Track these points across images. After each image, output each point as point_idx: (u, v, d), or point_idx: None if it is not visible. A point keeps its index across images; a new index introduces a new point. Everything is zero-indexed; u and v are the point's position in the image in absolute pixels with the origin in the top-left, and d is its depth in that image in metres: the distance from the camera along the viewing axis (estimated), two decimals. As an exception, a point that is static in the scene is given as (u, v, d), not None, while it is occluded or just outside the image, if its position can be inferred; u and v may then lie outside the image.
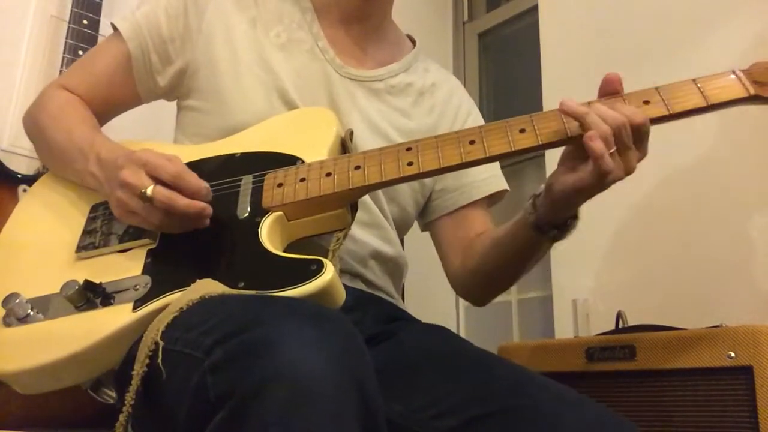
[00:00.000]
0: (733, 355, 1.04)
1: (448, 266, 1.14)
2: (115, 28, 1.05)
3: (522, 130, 0.82)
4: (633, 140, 0.80)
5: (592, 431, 0.75)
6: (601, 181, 0.80)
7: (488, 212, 1.16)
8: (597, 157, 0.78)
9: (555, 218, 0.90)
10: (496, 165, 1.17)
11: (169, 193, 0.81)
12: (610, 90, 0.84)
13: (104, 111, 1.06)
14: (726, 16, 1.61)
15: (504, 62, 2.54)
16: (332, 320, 0.64)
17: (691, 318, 1.26)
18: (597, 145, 0.78)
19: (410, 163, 0.84)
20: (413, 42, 1.20)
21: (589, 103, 0.82)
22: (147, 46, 1.03)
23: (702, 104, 0.81)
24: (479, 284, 1.10)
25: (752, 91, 0.81)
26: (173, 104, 1.10)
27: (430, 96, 1.14)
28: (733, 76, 0.82)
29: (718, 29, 1.61)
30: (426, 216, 1.17)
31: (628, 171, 0.81)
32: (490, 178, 1.15)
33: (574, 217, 0.91)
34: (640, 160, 0.82)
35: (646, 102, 0.82)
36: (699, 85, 0.82)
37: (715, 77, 0.82)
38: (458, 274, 1.11)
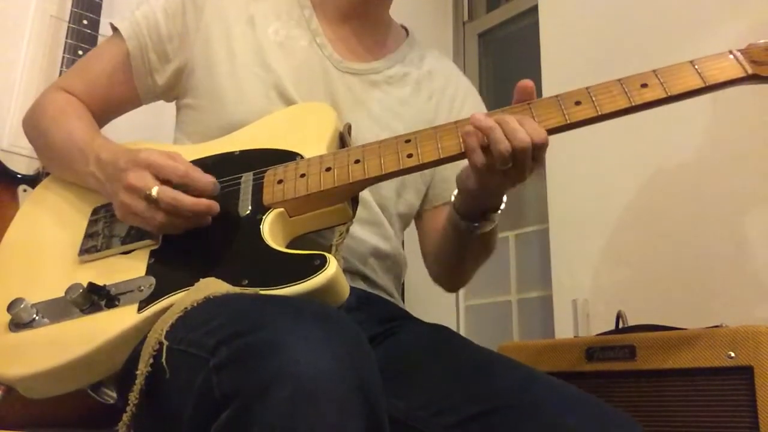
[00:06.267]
0: (733, 355, 1.04)
1: (424, 254, 1.16)
2: (114, 28, 1.05)
3: None
4: (534, 158, 0.81)
5: (595, 429, 0.75)
6: (490, 188, 0.86)
7: None
8: (475, 168, 0.83)
9: (477, 210, 0.94)
10: None
11: (174, 193, 0.81)
12: (524, 98, 0.84)
13: (104, 112, 1.06)
14: (726, 16, 1.61)
15: (504, 62, 2.54)
16: (337, 320, 0.64)
17: (691, 318, 1.26)
18: (476, 158, 0.81)
19: (410, 155, 0.84)
20: (407, 31, 1.20)
21: (503, 111, 0.84)
22: (146, 44, 1.03)
23: (700, 85, 0.80)
24: (441, 272, 1.13)
25: (750, 71, 0.80)
26: (173, 106, 1.10)
27: (428, 83, 1.14)
28: (731, 57, 0.81)
29: (718, 29, 1.61)
30: (423, 204, 1.16)
31: (521, 181, 0.84)
32: None
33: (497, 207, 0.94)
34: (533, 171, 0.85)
35: (644, 85, 0.81)
36: (696, 66, 0.81)
37: (712, 58, 0.82)
38: (427, 262, 1.15)
